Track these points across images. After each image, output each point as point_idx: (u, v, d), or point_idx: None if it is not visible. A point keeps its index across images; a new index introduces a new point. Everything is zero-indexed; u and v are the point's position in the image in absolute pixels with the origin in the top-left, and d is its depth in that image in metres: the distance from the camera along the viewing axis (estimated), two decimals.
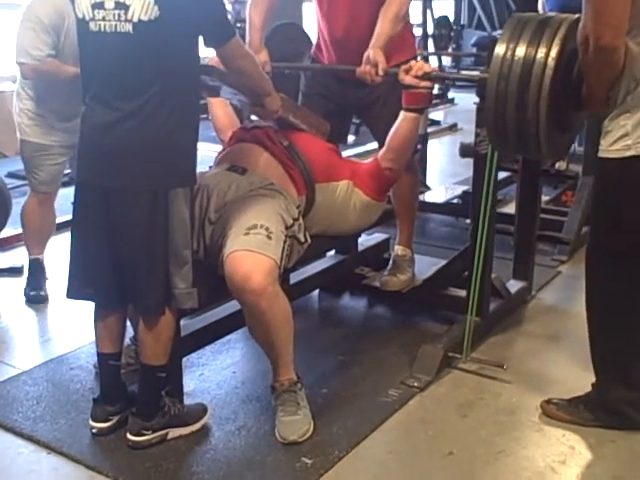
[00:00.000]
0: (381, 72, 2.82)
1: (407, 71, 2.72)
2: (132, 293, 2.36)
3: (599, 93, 2.28)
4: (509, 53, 2.36)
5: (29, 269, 3.63)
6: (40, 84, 3.34)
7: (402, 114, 2.82)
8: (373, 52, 2.87)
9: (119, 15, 2.19)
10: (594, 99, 2.32)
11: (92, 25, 2.24)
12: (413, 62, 2.76)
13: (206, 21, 2.27)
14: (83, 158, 2.36)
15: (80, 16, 2.27)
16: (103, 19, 2.22)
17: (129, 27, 2.18)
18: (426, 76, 2.72)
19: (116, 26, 2.20)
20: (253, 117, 3.09)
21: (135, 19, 2.17)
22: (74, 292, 2.45)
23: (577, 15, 2.39)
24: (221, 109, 3.15)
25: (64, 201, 3.47)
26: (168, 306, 2.35)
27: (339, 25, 3.14)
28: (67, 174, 3.69)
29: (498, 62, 2.37)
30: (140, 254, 2.30)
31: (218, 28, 2.32)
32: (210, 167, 2.96)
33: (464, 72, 2.87)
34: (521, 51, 2.34)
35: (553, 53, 2.30)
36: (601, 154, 2.35)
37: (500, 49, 2.38)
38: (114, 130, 2.25)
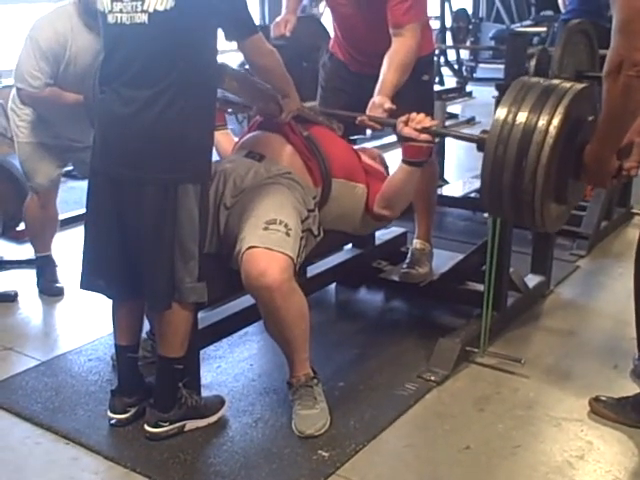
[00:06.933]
0: (387, 107, 2.79)
1: (406, 122, 2.61)
2: (140, 285, 2.37)
3: (613, 140, 2.22)
4: (510, 117, 2.28)
5: (38, 264, 3.64)
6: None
7: (400, 164, 2.73)
8: (379, 100, 2.84)
9: (135, 6, 2.20)
10: (604, 154, 2.24)
11: (110, 17, 2.26)
12: (413, 114, 2.61)
13: (224, 14, 2.27)
14: (97, 147, 2.37)
15: (101, 9, 2.29)
16: (120, 11, 2.23)
17: (145, 18, 2.20)
18: (425, 130, 2.59)
19: (132, 17, 2.22)
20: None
21: (151, 9, 2.19)
22: (86, 283, 2.47)
23: (583, 85, 2.36)
24: (226, 141, 3.03)
25: (81, 194, 3.48)
26: (174, 300, 2.35)
27: (354, 35, 3.15)
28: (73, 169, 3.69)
29: (498, 125, 2.29)
30: (147, 246, 2.30)
31: (237, 22, 2.32)
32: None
33: (465, 131, 2.85)
34: (522, 116, 2.26)
35: (555, 122, 2.22)
36: None
37: (501, 112, 2.30)
38: (128, 121, 2.25)
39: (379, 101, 2.85)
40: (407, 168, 2.72)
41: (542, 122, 2.23)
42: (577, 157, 2.31)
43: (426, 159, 2.73)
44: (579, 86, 2.34)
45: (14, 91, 3.36)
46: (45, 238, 3.63)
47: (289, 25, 3.18)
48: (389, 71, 2.89)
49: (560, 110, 2.24)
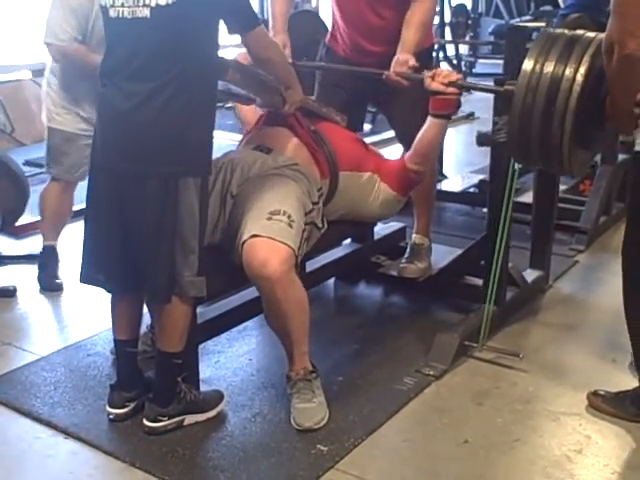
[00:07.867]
0: (412, 64, 2.89)
1: (433, 77, 2.74)
2: (140, 279, 2.37)
3: (623, 105, 2.26)
4: (538, 67, 2.37)
5: (42, 256, 3.63)
6: (68, 70, 3.32)
7: (429, 119, 2.82)
8: (403, 56, 2.91)
9: (137, 1, 2.21)
10: (618, 111, 2.29)
11: (112, 12, 2.27)
12: (439, 69, 2.78)
13: (226, 7, 2.28)
14: (98, 141, 2.37)
15: (102, 3, 2.30)
16: (122, 5, 2.24)
17: (147, 12, 2.20)
18: (452, 84, 2.73)
19: (134, 12, 2.22)
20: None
21: (153, 4, 2.19)
22: (86, 277, 2.47)
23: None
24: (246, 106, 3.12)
25: (81, 189, 3.48)
26: (173, 293, 2.35)
27: (356, 24, 3.14)
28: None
29: (526, 76, 2.39)
30: (148, 240, 2.31)
31: (240, 15, 2.33)
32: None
33: (483, 84, 2.96)
34: (550, 66, 2.36)
35: (582, 70, 2.32)
36: (637, 148, 2.39)
37: (529, 63, 2.39)
38: (130, 115, 2.25)
39: (403, 58, 2.93)
40: (437, 121, 2.82)
41: (569, 71, 2.33)
42: (602, 104, 2.36)
43: (455, 111, 2.86)
44: (602, 35, 2.38)
45: (48, 71, 3.39)
46: (57, 226, 3.62)
47: (287, 50, 3.10)
48: (409, 30, 2.99)
49: (586, 59, 2.33)
